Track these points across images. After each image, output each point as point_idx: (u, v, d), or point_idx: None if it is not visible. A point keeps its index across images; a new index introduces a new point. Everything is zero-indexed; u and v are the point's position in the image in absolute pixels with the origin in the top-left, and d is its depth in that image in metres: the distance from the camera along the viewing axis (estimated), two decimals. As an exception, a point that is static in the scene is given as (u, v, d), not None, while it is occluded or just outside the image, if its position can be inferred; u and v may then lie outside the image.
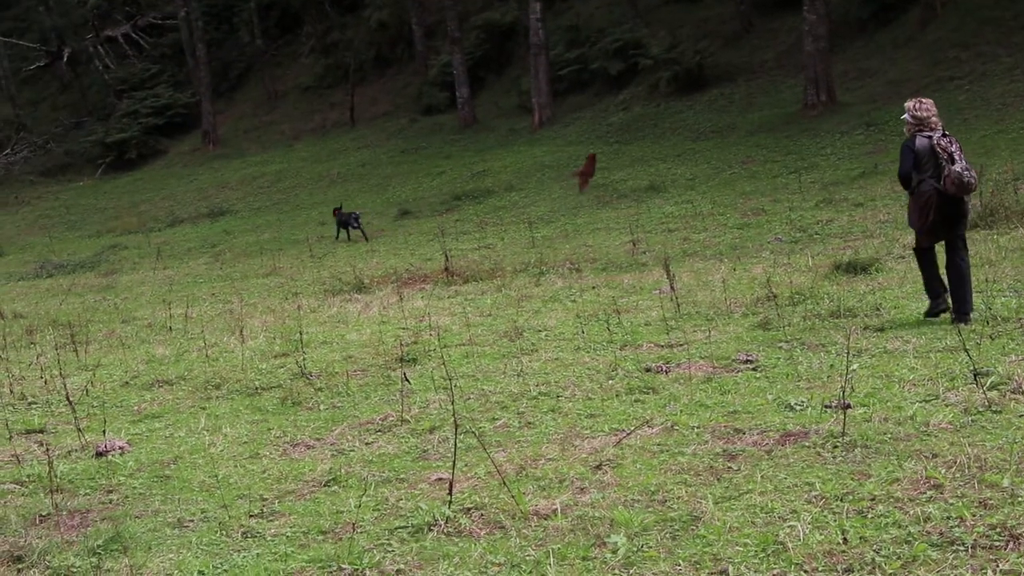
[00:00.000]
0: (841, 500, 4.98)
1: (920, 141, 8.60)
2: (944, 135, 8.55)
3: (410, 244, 20.17)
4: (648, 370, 8.03)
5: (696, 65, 29.18)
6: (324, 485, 6.19)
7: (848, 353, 7.37)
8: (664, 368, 8.00)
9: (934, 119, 8.66)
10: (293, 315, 12.78)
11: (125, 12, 49.34)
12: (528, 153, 28.21)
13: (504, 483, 5.60)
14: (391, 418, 7.46)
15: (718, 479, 5.50)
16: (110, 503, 6.29)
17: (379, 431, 7.24)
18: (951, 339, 7.52)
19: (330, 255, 20.24)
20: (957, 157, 8.33)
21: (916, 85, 23.68)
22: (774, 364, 7.76)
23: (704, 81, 29.22)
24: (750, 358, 7.97)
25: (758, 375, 7.52)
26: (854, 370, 7.11)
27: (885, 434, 5.83)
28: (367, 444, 6.97)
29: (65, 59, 48.19)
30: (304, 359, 9.65)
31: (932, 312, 8.63)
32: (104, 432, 7.48)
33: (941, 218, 8.48)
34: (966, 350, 6.89)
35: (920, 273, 8.87)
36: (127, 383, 9.89)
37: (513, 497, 5.41)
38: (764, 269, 12.31)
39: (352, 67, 39.97)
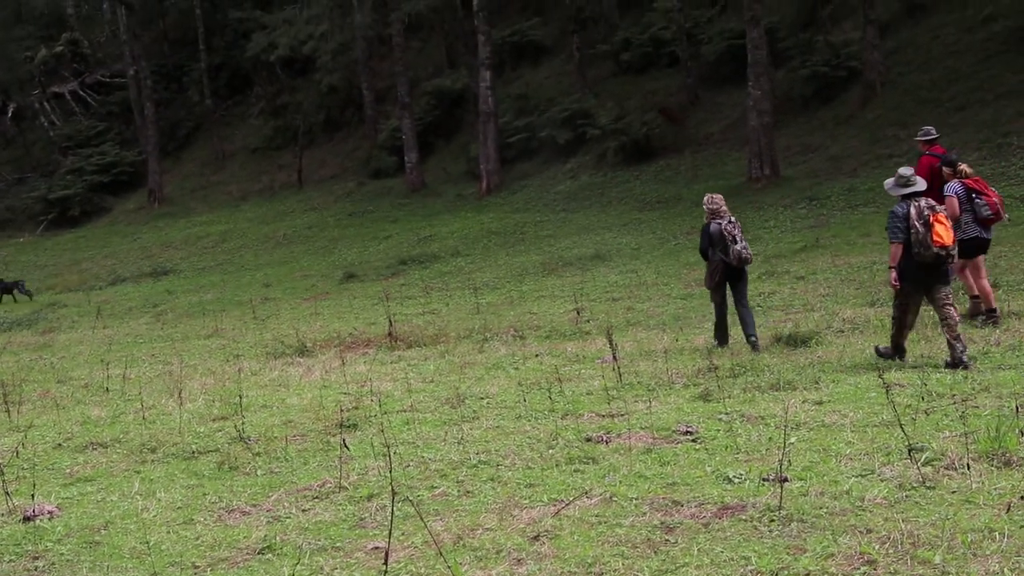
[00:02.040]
0: (776, 575, 4.99)
1: (713, 226, 11.86)
2: (730, 221, 11.81)
3: (354, 308, 20.09)
4: (588, 440, 8.02)
5: (643, 136, 29.61)
6: (258, 553, 6.08)
7: (786, 426, 7.43)
8: (604, 438, 7.99)
9: (723, 209, 11.97)
10: (233, 378, 12.64)
11: (73, 69, 49.24)
12: (475, 219, 28.35)
13: (441, 553, 5.54)
14: (329, 485, 7.37)
15: (655, 552, 5.49)
16: (35, 570, 6.13)
17: (316, 498, 7.15)
18: (887, 414, 7.60)
19: (273, 317, 20.10)
20: (739, 239, 11.70)
21: (856, 161, 24.20)
22: (714, 436, 7.78)
23: (651, 152, 29.64)
24: (690, 429, 7.99)
25: (698, 447, 7.54)
26: (792, 443, 7.17)
27: (821, 508, 5.87)
28: (304, 511, 6.88)
29: (10, 114, 47.85)
30: (243, 423, 9.53)
31: (720, 342, 11.90)
32: (33, 496, 7.32)
33: (726, 280, 11.83)
34: (901, 426, 6.97)
35: (716, 314, 12.05)
36: (60, 445, 9.69)
37: (449, 568, 5.36)
38: (706, 340, 12.40)
39: (301, 129, 40.11)
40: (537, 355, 12.67)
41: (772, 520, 5.76)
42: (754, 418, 8.21)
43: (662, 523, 5.92)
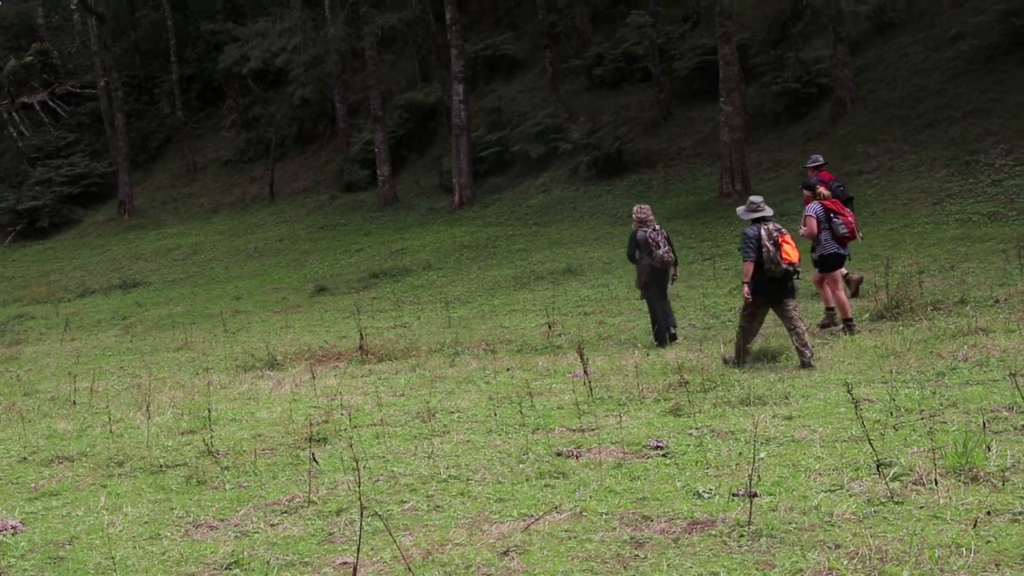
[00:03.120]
0: (745, 590, 4.99)
1: (640, 233, 13.74)
2: (655, 230, 13.73)
3: (325, 321, 20.02)
4: (559, 455, 8.01)
5: (615, 151, 29.71)
6: (226, 568, 6.04)
7: (756, 441, 7.45)
8: (575, 453, 7.99)
9: (650, 219, 13.88)
10: (203, 391, 12.56)
11: (42, 79, 48.86)
12: (447, 233, 28.33)
13: (410, 569, 5.52)
14: (298, 499, 7.33)
15: (625, 567, 5.48)
16: (-1, 585, 6.07)
17: (285, 512, 7.10)
18: (856, 429, 7.63)
19: (244, 330, 19.99)
20: (662, 244, 13.58)
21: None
22: (684, 451, 7.79)
23: (623, 166, 29.73)
24: (660, 444, 8.00)
25: (668, 462, 7.54)
26: (762, 458, 7.19)
27: (790, 523, 5.88)
28: (272, 526, 6.83)
29: (-22, 124, 47.44)
30: (211, 437, 9.47)
31: (659, 342, 13.50)
32: (-3, 510, 7.24)
33: (653, 281, 13.63)
34: (870, 441, 7.00)
35: (651, 316, 13.84)
36: (25, 459, 9.59)
37: (418, 583, 5.33)
38: (677, 355, 12.43)
39: (273, 142, 39.98)
40: (508, 369, 12.66)
41: (742, 535, 5.77)
42: (724, 433, 8.23)
43: (632, 538, 5.91)
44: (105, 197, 43.02)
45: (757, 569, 5.26)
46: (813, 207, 13.30)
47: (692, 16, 35.15)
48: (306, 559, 6.06)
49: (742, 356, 11.35)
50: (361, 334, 15.27)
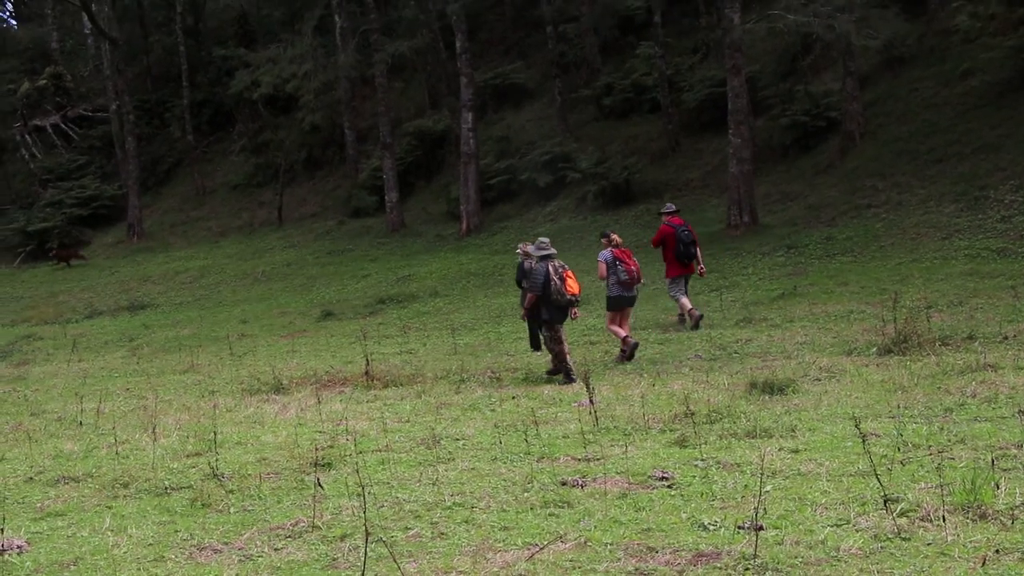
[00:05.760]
0: (751, 623, 4.96)
1: (526, 264, 15.32)
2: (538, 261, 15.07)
3: (332, 346, 20.03)
4: (564, 484, 7.99)
5: (623, 180, 29.78)
6: (229, 593, 6.02)
7: (762, 474, 7.42)
8: (580, 482, 7.97)
9: (532, 254, 14.85)
10: (208, 414, 12.55)
11: (55, 102, 49.16)
12: (454, 260, 28.36)
13: (414, 596, 5.50)
14: (302, 524, 7.31)
15: (630, 598, 5.45)
16: (3, 606, 6.05)
17: (289, 537, 7.09)
18: (863, 463, 7.61)
19: (250, 354, 20.00)
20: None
21: (835, 211, 24.38)
22: (689, 482, 7.77)
23: (631, 196, 29.79)
24: (666, 475, 7.97)
25: (673, 493, 7.52)
26: (768, 491, 7.16)
27: (796, 558, 5.85)
28: (276, 550, 6.81)
29: (-10, 146, 47.71)
30: (217, 460, 9.46)
31: (534, 348, 15.92)
32: (2, 530, 7.21)
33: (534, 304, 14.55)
34: (877, 476, 6.97)
35: (529, 330, 15.92)
36: (31, 479, 9.59)
37: (422, 611, 5.31)
38: (683, 385, 12.40)
39: (283, 167, 40.14)
40: (514, 397, 12.64)
41: (747, 569, 5.74)
42: (730, 465, 8.20)
43: (636, 569, 5.89)
44: (114, 219, 43.19)
45: (763, 602, 5.24)
46: (604, 254, 15.34)
47: (701, 48, 35.31)
48: (310, 584, 6.05)
49: (568, 372, 13.44)
50: (367, 359, 15.27)
